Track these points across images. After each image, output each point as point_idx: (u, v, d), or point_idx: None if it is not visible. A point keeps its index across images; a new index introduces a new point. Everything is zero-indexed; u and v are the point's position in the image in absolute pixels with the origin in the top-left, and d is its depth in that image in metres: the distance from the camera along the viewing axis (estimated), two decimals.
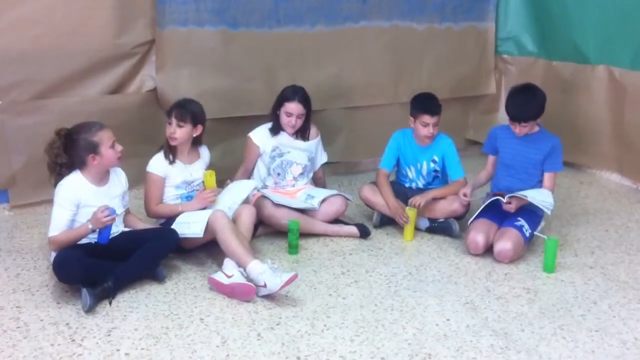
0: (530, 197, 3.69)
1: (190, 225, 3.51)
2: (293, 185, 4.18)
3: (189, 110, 3.68)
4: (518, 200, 3.72)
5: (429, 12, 5.34)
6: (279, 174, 4.14)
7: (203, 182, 3.74)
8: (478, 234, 3.76)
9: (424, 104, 4.10)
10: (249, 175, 4.18)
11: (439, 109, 4.09)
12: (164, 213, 3.72)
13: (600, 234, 4.18)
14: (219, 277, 3.28)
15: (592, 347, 2.89)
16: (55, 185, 3.33)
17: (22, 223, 4.15)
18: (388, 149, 4.25)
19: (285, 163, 4.14)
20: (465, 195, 3.94)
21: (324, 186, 4.43)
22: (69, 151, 3.29)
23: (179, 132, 3.67)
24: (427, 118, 4.04)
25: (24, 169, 4.18)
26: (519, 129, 3.85)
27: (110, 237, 3.29)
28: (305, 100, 4.08)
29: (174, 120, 3.66)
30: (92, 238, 3.27)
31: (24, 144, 4.13)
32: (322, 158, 4.38)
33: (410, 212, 3.96)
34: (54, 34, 4.08)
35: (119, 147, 3.35)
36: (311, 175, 4.32)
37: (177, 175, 3.73)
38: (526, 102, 3.83)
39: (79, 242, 3.26)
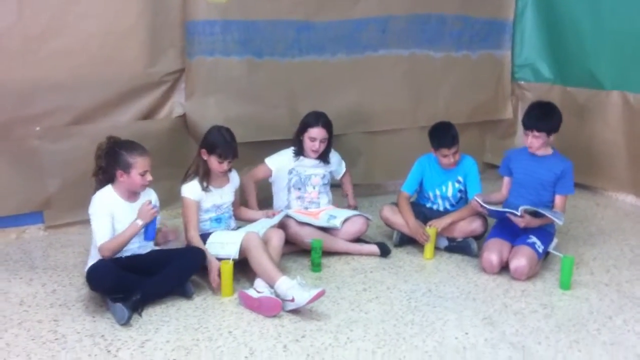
0: (541, 209, 3.82)
1: (224, 246, 3.68)
2: (317, 198, 4.36)
3: (235, 146, 3.85)
4: (531, 217, 3.83)
5: (446, 41, 5.53)
6: (299, 189, 4.32)
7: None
8: (492, 254, 3.87)
9: (440, 138, 4.22)
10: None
11: (456, 140, 4.20)
12: (194, 244, 3.78)
13: (615, 253, 4.27)
14: (250, 292, 3.44)
15: (607, 359, 2.98)
16: (94, 190, 3.52)
17: (56, 242, 4.34)
18: (412, 173, 4.39)
19: (304, 177, 4.32)
20: (478, 202, 3.97)
21: (351, 194, 4.60)
22: (107, 158, 3.48)
23: (229, 166, 3.88)
24: (445, 151, 4.19)
25: (58, 191, 4.38)
26: (531, 139, 3.97)
27: (140, 253, 3.50)
28: (327, 125, 4.26)
29: (226, 160, 3.83)
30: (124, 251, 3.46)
31: (59, 168, 4.34)
32: (342, 167, 4.54)
33: (431, 231, 4.09)
34: (90, 64, 4.29)
35: (148, 177, 3.49)
36: (330, 187, 4.49)
37: (207, 199, 3.88)
38: (543, 113, 3.99)
39: (114, 257, 3.41)
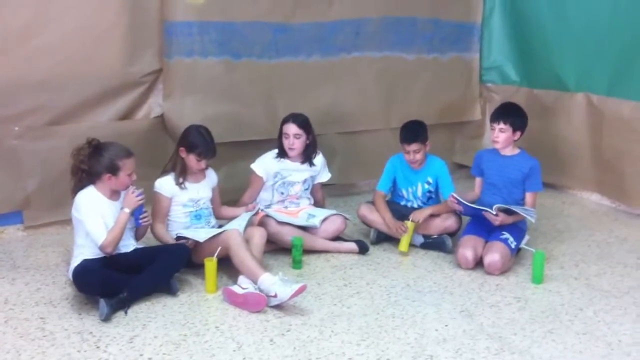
0: (514, 207, 3.98)
1: (195, 233, 3.80)
2: (297, 199, 4.42)
3: (214, 146, 3.95)
4: (505, 215, 3.99)
5: (417, 44, 5.65)
6: (282, 193, 4.39)
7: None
8: (467, 250, 4.00)
9: (401, 133, 4.37)
10: (255, 198, 4.41)
11: (415, 137, 4.30)
12: (160, 236, 3.92)
13: (583, 248, 4.44)
14: (234, 288, 3.50)
15: (580, 348, 3.12)
16: (73, 190, 3.54)
17: (36, 242, 4.35)
18: (385, 172, 4.51)
19: (287, 183, 4.38)
20: (454, 198, 4.08)
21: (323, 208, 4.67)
22: (91, 162, 3.50)
23: (206, 165, 3.98)
24: (405, 146, 4.33)
25: (37, 191, 4.38)
26: (497, 132, 4.14)
27: (124, 252, 3.56)
28: (299, 120, 4.31)
29: (205, 159, 3.92)
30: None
31: (38, 168, 4.34)
32: (324, 176, 4.60)
33: (410, 224, 4.20)
34: (68, 64, 4.30)
35: (134, 177, 3.57)
36: (310, 190, 4.55)
37: (184, 194, 3.95)
38: (509, 108, 4.27)
39: (98, 257, 3.46)
